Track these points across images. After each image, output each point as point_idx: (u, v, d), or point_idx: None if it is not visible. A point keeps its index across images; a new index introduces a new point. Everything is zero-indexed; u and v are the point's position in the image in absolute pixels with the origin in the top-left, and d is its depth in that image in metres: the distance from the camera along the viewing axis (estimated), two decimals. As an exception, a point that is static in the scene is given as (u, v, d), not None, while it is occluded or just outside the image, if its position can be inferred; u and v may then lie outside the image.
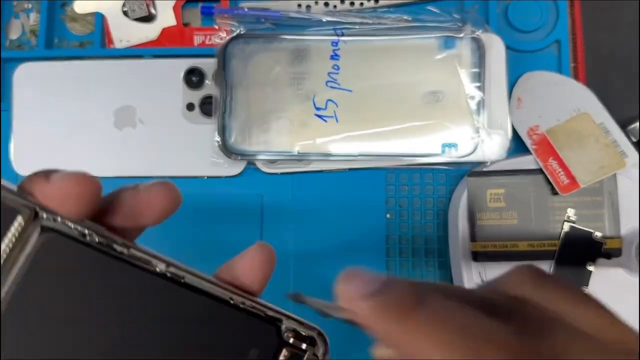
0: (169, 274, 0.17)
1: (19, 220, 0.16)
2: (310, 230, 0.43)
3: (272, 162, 0.42)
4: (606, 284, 0.39)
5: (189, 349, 0.16)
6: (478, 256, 0.39)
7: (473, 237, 0.39)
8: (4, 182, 0.16)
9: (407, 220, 0.43)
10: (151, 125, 0.43)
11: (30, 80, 0.44)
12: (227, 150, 0.41)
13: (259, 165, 0.42)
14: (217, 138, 0.41)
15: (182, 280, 0.17)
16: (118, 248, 0.16)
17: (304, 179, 0.43)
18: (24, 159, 0.44)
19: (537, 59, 0.43)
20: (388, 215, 0.43)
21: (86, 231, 0.16)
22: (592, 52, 0.43)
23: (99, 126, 0.43)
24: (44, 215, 0.16)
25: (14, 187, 0.16)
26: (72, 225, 0.16)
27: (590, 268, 0.39)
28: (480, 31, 0.41)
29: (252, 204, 0.43)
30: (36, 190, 0.16)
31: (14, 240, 0.15)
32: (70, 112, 0.43)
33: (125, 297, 0.16)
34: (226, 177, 0.43)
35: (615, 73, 0.44)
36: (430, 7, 0.42)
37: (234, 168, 0.43)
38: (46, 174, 0.16)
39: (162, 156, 0.43)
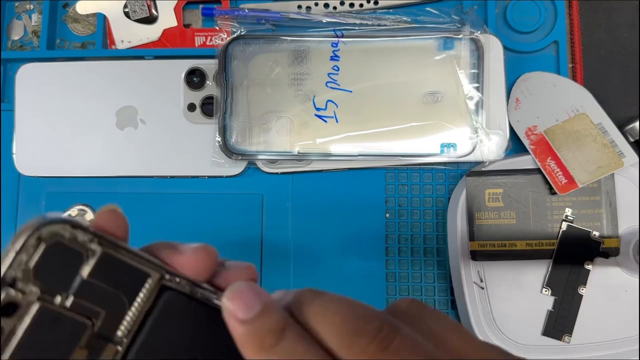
0: None
1: (149, 282, 0.18)
2: (310, 230, 0.43)
3: (273, 162, 0.42)
4: (604, 283, 0.39)
5: None
6: (477, 255, 0.39)
7: (472, 237, 0.40)
8: (133, 249, 0.18)
9: (406, 220, 0.43)
10: (152, 125, 0.43)
11: (32, 81, 0.44)
12: (227, 150, 0.42)
13: (260, 165, 0.43)
14: (218, 138, 0.42)
15: None
16: (215, 300, 0.19)
17: (304, 178, 0.43)
18: (27, 159, 0.44)
19: (536, 59, 0.43)
20: (387, 215, 0.43)
21: (195, 288, 0.19)
22: (590, 52, 0.44)
23: (100, 126, 0.43)
24: (166, 277, 0.19)
25: (138, 251, 0.18)
26: (186, 284, 0.19)
27: (588, 267, 0.39)
28: (478, 32, 0.41)
29: (253, 204, 0.44)
30: (169, 258, 0.19)
31: (144, 299, 0.18)
32: (72, 113, 0.44)
33: (212, 341, 0.19)
34: (227, 177, 0.43)
35: (613, 73, 0.44)
36: (429, 9, 0.42)
37: (234, 168, 0.43)
38: (174, 246, 0.19)
39: (163, 156, 0.43)
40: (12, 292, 0.16)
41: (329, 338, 0.17)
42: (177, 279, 0.19)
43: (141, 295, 0.18)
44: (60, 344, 0.17)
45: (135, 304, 0.18)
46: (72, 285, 0.17)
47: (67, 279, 0.17)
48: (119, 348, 0.18)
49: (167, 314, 0.18)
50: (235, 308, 0.17)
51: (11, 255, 0.16)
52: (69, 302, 0.17)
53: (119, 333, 0.18)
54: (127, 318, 0.18)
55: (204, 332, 0.19)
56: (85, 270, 0.17)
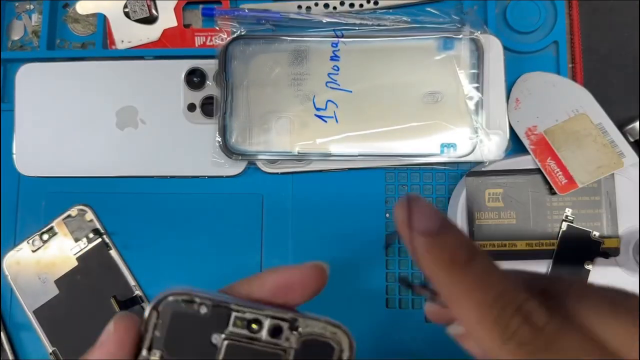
0: None
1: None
2: (310, 230, 0.43)
3: (273, 162, 0.42)
4: (604, 283, 0.39)
5: None
6: (477, 255, 0.39)
7: (472, 237, 0.40)
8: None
9: (406, 220, 0.43)
10: (152, 125, 0.43)
11: (32, 81, 0.44)
12: (227, 150, 0.41)
13: (260, 165, 0.43)
14: (218, 138, 0.41)
15: None
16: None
17: (304, 178, 0.43)
18: (27, 159, 0.44)
19: (536, 60, 0.43)
20: (387, 215, 0.43)
21: None
22: (590, 52, 0.44)
23: (100, 126, 0.43)
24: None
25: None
26: None
27: (588, 267, 0.39)
28: (478, 32, 0.41)
29: (253, 204, 0.43)
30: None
31: None
32: (72, 113, 0.44)
33: None
34: (227, 177, 0.43)
35: (613, 74, 0.44)
36: (429, 9, 0.42)
37: (234, 168, 0.43)
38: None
39: (163, 156, 0.43)
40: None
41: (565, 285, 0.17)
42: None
43: None
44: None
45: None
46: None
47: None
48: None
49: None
50: (415, 219, 0.15)
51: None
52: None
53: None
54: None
55: None
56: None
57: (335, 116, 0.41)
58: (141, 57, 0.44)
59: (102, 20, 0.45)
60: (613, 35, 0.44)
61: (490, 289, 0.14)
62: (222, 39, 0.44)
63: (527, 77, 0.42)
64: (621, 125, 0.41)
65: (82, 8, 0.46)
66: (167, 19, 0.45)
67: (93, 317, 0.42)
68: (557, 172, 0.40)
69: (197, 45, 0.45)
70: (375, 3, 0.43)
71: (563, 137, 0.40)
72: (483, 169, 0.41)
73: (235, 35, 0.42)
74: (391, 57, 0.41)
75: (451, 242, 0.15)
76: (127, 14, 0.45)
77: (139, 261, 0.43)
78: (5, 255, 0.44)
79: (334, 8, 0.44)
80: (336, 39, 0.41)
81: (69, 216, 0.44)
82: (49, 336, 0.43)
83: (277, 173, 0.43)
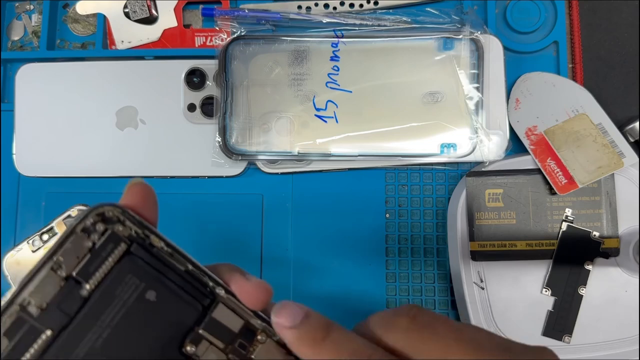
0: None
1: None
2: (310, 230, 0.43)
3: (273, 162, 0.42)
4: (604, 283, 0.39)
5: None
6: (477, 256, 0.39)
7: (472, 237, 0.40)
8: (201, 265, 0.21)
9: (406, 220, 0.43)
10: (152, 125, 0.43)
11: (32, 81, 0.44)
12: (227, 150, 0.42)
13: (260, 165, 0.43)
14: (218, 138, 0.42)
15: None
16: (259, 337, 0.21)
17: (304, 179, 0.43)
18: (27, 159, 0.44)
19: (536, 60, 0.43)
20: (387, 215, 0.43)
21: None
22: (590, 53, 0.44)
23: (100, 127, 0.43)
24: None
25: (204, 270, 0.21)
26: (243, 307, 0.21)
27: (588, 267, 0.39)
28: (478, 32, 0.41)
29: (253, 204, 0.44)
30: (234, 283, 0.21)
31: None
32: (72, 113, 0.44)
33: None
34: (227, 177, 0.43)
35: (613, 74, 0.44)
36: (429, 9, 0.42)
37: (234, 168, 0.43)
38: (243, 273, 0.22)
39: (163, 156, 0.43)
40: None
41: (374, 327, 0.20)
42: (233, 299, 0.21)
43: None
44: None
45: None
46: None
47: None
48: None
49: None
50: (284, 319, 0.20)
51: None
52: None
53: None
54: None
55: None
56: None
57: (335, 116, 0.41)
58: (141, 57, 0.44)
59: (102, 20, 0.45)
60: (613, 35, 0.44)
61: (345, 351, 0.19)
62: (222, 39, 0.44)
63: (527, 77, 0.42)
64: (621, 125, 0.41)
65: (82, 8, 0.46)
66: (167, 19, 0.45)
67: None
68: (557, 172, 0.40)
69: (197, 45, 0.45)
70: (375, 3, 0.43)
71: (563, 137, 0.40)
72: (483, 169, 0.41)
73: (235, 35, 0.42)
74: (391, 57, 0.41)
75: (310, 326, 0.20)
76: (127, 14, 0.45)
77: (139, 261, 0.43)
78: (5, 255, 0.44)
79: (334, 8, 0.44)
80: (336, 39, 0.41)
81: (69, 216, 0.44)
82: (49, 336, 0.43)
83: (277, 173, 0.43)
